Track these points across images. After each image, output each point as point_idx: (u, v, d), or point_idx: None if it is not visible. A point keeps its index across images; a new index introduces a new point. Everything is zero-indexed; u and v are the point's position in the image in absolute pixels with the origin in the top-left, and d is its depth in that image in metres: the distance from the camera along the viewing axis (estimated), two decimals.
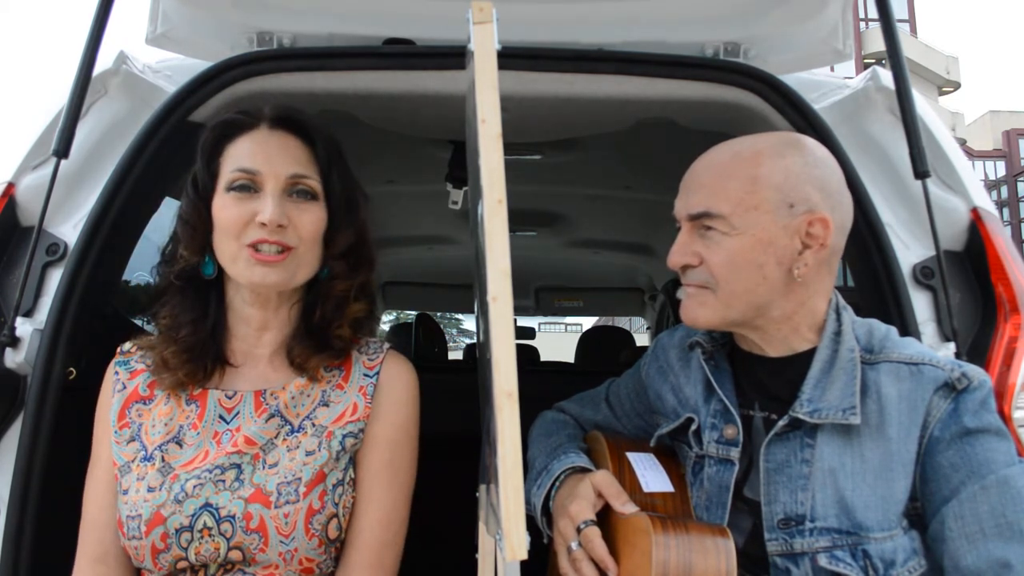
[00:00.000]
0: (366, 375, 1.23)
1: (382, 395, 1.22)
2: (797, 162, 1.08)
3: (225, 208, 1.15)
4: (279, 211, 1.13)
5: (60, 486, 1.34)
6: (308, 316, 1.23)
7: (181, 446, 1.16)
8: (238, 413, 1.18)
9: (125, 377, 1.22)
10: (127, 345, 1.26)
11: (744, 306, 1.10)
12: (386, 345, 1.28)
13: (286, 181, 1.16)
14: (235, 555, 1.10)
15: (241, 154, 1.18)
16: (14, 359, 1.36)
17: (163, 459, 1.14)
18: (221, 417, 1.17)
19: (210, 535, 1.09)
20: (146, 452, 1.15)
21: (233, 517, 1.09)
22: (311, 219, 1.18)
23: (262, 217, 1.12)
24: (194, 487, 1.11)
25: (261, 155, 1.17)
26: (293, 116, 1.22)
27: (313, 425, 1.18)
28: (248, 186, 1.15)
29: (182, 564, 1.10)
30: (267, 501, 1.10)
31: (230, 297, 1.22)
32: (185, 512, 1.09)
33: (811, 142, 1.14)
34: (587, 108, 1.64)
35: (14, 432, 1.34)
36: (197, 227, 1.18)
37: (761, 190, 1.06)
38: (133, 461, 1.15)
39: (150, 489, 1.11)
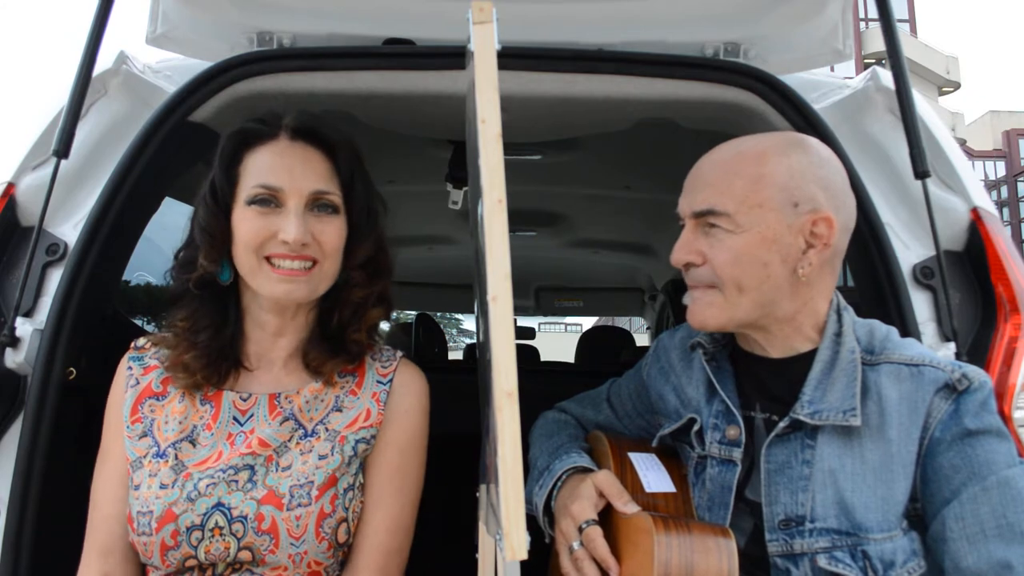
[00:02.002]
0: (379, 382, 1.23)
1: (395, 402, 1.23)
2: (802, 161, 1.08)
3: (246, 221, 1.14)
4: (302, 229, 1.13)
5: (60, 486, 1.34)
6: (324, 321, 1.23)
7: (195, 445, 1.16)
8: (252, 415, 1.18)
9: (138, 372, 1.22)
10: (141, 340, 1.26)
11: (750, 305, 1.09)
12: (399, 353, 1.28)
13: (309, 197, 1.15)
14: (245, 555, 1.10)
15: (262, 168, 1.16)
16: (14, 359, 1.36)
17: (176, 457, 1.14)
18: (235, 419, 1.18)
19: (221, 534, 1.09)
20: (159, 449, 1.15)
21: (245, 518, 1.10)
22: (333, 232, 1.17)
23: (285, 236, 1.12)
24: (207, 486, 1.11)
25: (283, 170, 1.15)
26: (314, 127, 1.20)
27: (327, 430, 1.18)
28: (269, 200, 1.14)
29: (191, 562, 1.10)
30: (279, 503, 1.11)
31: (247, 303, 1.22)
32: (197, 511, 1.09)
33: (816, 143, 1.14)
34: (587, 108, 1.64)
35: (14, 432, 1.34)
36: (216, 236, 1.16)
37: (766, 188, 1.06)
38: (145, 457, 1.15)
39: (162, 486, 1.11)
